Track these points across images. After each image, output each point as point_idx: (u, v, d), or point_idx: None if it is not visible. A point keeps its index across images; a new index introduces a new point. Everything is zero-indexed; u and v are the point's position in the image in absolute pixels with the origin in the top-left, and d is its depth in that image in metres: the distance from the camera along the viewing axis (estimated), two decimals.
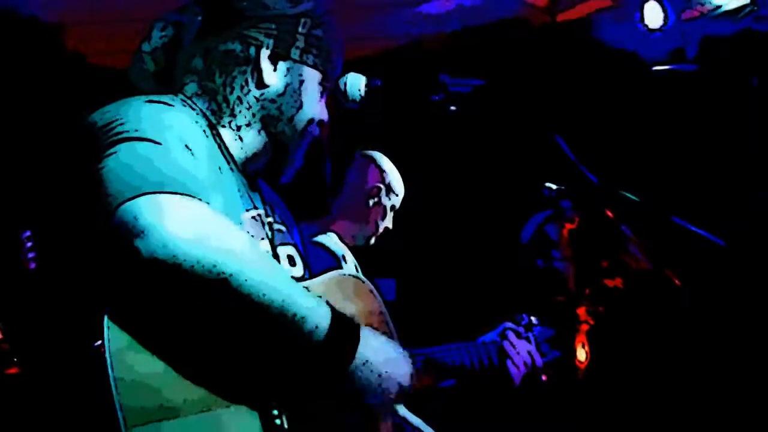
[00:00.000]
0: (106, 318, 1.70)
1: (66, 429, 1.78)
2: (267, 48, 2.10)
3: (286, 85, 2.13)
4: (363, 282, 2.21)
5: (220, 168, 2.03)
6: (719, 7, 4.86)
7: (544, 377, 2.81)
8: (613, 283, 3.14)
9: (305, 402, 1.87)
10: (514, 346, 2.75)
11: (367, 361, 1.86)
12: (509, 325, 2.82)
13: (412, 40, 5.51)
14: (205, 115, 2.08)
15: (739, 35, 4.89)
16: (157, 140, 1.80)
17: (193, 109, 2.07)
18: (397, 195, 3.88)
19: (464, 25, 5.41)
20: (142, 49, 2.16)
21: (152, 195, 1.70)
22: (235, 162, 2.11)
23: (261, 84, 2.11)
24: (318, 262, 2.37)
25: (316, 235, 3.59)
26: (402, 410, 2.01)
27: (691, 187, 4.75)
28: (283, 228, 2.24)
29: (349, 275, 2.23)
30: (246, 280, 1.71)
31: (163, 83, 2.14)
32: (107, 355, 1.67)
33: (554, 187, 3.14)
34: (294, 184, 2.27)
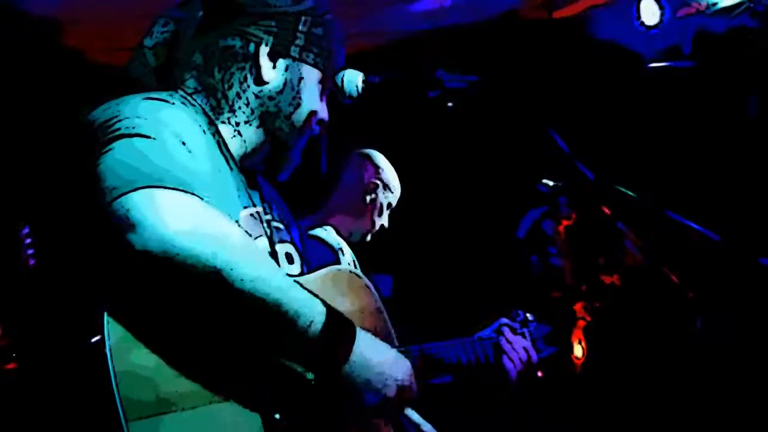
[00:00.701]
0: (105, 312, 1.71)
1: (66, 424, 1.78)
2: (266, 45, 2.11)
3: (285, 83, 2.14)
4: (359, 277, 2.22)
5: (218, 165, 2.04)
6: (715, 4, 4.86)
7: (540, 373, 2.82)
8: (609, 280, 3.15)
9: (301, 400, 1.87)
10: (510, 342, 2.75)
11: (362, 359, 1.86)
12: (505, 321, 2.83)
13: (409, 37, 5.51)
14: (204, 112, 2.09)
15: (734, 32, 4.89)
16: (152, 136, 1.81)
17: (193, 105, 2.08)
18: (393, 192, 3.88)
19: (460, 21, 5.41)
20: (143, 44, 2.17)
21: (146, 189, 1.71)
22: (233, 159, 2.12)
23: (260, 81, 2.12)
24: (315, 255, 2.38)
25: (312, 228, 3.59)
26: (412, 414, 2.00)
27: (687, 183, 4.76)
28: (281, 226, 2.24)
29: (345, 270, 2.24)
30: (239, 275, 1.72)
31: (164, 79, 2.15)
32: (107, 349, 1.68)
33: (551, 183, 3.15)
34: (290, 178, 2.27)
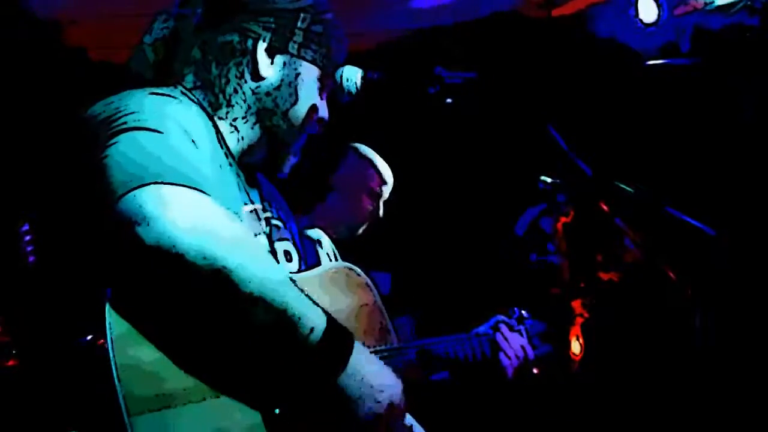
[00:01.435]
0: (108, 307, 1.71)
1: (67, 420, 1.78)
2: (264, 41, 2.11)
3: (282, 79, 2.14)
4: (358, 275, 2.21)
5: (219, 161, 2.04)
6: (712, 1, 4.87)
7: (535, 370, 2.83)
8: (607, 276, 3.16)
9: (297, 401, 1.86)
10: (506, 339, 2.76)
11: (357, 371, 1.84)
12: (502, 318, 2.84)
13: (408, 34, 5.51)
14: (203, 107, 2.09)
15: (732, 29, 4.90)
16: (159, 130, 1.81)
17: (194, 101, 2.08)
18: (386, 185, 3.88)
19: (460, 18, 5.42)
20: (143, 40, 2.17)
21: (155, 185, 1.70)
22: (232, 155, 2.12)
23: (256, 76, 2.12)
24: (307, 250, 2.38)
25: (307, 228, 3.59)
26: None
27: (685, 179, 4.76)
28: (280, 224, 2.24)
29: (345, 268, 2.23)
30: (247, 276, 1.71)
31: (163, 74, 2.15)
32: (109, 344, 1.68)
33: (549, 180, 3.16)
34: (288, 177, 2.27)
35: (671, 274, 2.15)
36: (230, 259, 1.70)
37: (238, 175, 2.13)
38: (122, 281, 1.74)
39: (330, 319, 1.82)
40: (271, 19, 2.12)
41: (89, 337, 1.72)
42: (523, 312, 2.91)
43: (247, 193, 2.14)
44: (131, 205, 1.68)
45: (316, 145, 2.30)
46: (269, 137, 2.16)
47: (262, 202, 2.19)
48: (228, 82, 2.12)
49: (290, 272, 2.07)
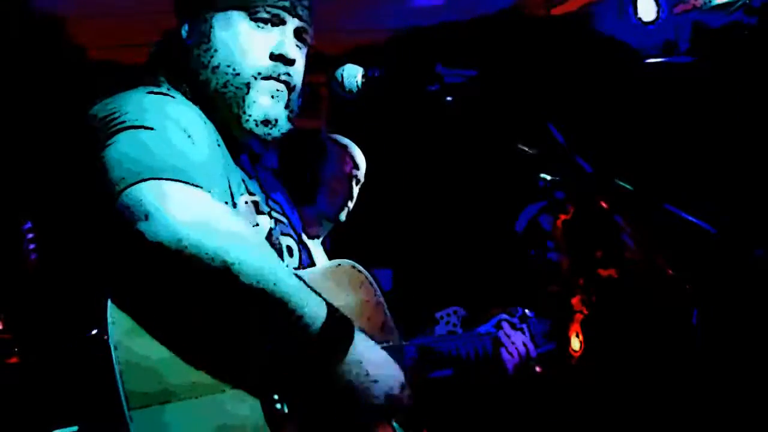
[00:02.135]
0: (109, 303, 1.72)
1: (69, 414, 1.79)
2: (187, 24, 2.13)
3: (199, 37, 2.11)
4: (360, 271, 2.22)
5: (218, 156, 2.04)
6: (711, 0, 4.88)
7: (538, 368, 2.83)
8: (607, 273, 3.17)
9: (299, 391, 1.88)
10: (508, 337, 2.76)
11: (358, 360, 1.85)
12: (504, 316, 2.84)
13: (409, 32, 5.52)
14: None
15: (731, 27, 4.91)
16: (157, 128, 1.83)
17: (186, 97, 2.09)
18: (360, 168, 3.85)
19: (460, 16, 5.42)
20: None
21: (155, 181, 1.72)
22: (228, 147, 2.12)
23: (186, 50, 2.12)
24: None
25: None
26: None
27: (684, 176, 4.77)
28: (283, 219, 2.26)
29: (347, 265, 2.23)
30: (247, 268, 1.72)
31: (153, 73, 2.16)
32: (110, 339, 1.69)
33: (549, 177, 3.16)
34: (287, 177, 2.27)
35: (670, 271, 2.16)
36: (230, 253, 1.71)
37: (237, 167, 2.14)
38: (124, 275, 1.76)
39: (330, 308, 1.83)
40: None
41: (95, 331, 1.73)
42: (526, 310, 2.91)
43: (246, 186, 2.14)
44: (131, 200, 1.71)
45: (297, 144, 2.27)
46: (223, 103, 2.10)
47: (263, 195, 2.20)
48: (182, 71, 2.12)
49: (295, 268, 2.08)
